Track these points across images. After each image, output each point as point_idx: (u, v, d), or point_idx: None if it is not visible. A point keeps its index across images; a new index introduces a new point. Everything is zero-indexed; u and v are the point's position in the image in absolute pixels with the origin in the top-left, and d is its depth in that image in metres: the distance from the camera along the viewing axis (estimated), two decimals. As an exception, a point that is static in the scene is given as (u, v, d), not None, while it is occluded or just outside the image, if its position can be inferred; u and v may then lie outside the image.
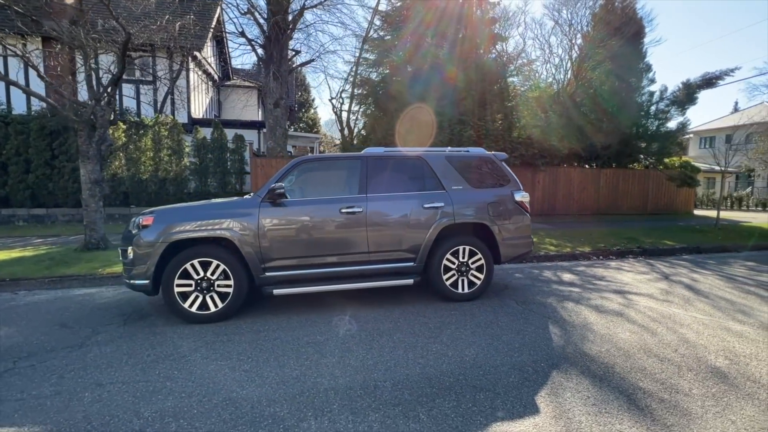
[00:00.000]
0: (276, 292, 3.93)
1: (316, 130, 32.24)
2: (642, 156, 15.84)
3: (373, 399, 2.45)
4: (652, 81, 15.91)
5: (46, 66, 10.76)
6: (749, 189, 28.78)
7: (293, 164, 4.24)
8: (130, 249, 3.76)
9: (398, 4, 15.55)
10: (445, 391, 2.53)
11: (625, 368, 2.83)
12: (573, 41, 15.48)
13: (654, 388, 2.56)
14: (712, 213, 16.91)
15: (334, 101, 14.59)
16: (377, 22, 15.85)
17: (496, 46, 14.49)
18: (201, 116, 16.38)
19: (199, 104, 16.56)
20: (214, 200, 4.52)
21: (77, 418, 2.28)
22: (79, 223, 11.34)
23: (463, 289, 4.45)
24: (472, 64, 13.38)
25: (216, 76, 18.57)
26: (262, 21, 12.37)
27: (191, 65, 15.01)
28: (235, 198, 4.41)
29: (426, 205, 4.34)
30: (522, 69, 14.07)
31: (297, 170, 4.25)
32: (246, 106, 18.72)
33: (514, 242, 4.61)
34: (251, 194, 4.44)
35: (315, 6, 12.63)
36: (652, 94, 15.80)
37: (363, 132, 13.52)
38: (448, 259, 4.40)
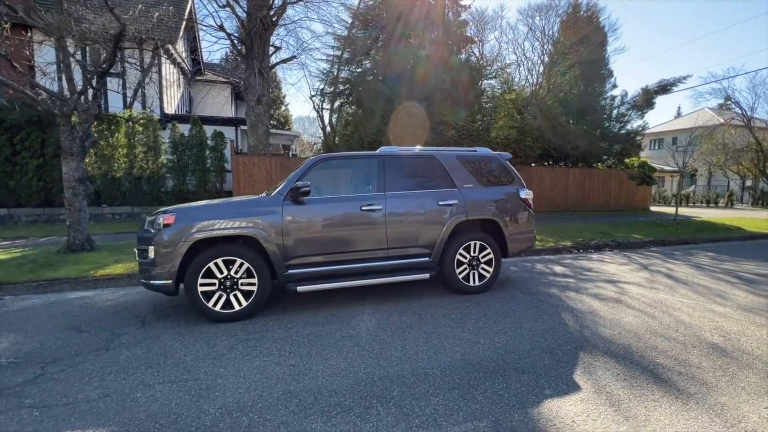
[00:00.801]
0: (300, 289, 3.97)
1: (288, 127, 31.68)
2: (605, 156, 16.96)
3: (428, 385, 2.59)
4: (614, 86, 17.11)
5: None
6: (692, 187, 31.44)
7: (313, 162, 4.28)
8: (151, 249, 3.66)
9: (370, 2, 15.63)
10: (491, 375, 2.73)
11: (640, 348, 3.16)
12: (545, 47, 16.30)
13: (670, 364, 2.88)
14: (665, 209, 18.44)
15: (315, 99, 14.46)
16: (349, 20, 15.86)
17: (475, 50, 14.99)
18: (173, 112, 15.69)
19: (171, 99, 15.86)
20: (233, 198, 4.46)
21: (140, 418, 2.26)
22: (45, 223, 10.62)
23: (474, 282, 4.68)
24: (453, 66, 13.76)
25: (187, 71, 17.83)
26: (242, 14, 12.06)
27: (163, 58, 14.34)
28: (254, 196, 4.38)
29: (441, 203, 4.52)
30: (500, 72, 14.63)
31: (315, 168, 4.29)
32: (220, 103, 18.11)
33: (520, 237, 4.90)
34: (265, 193, 4.43)
35: (297, 1, 12.47)
36: (614, 98, 16.98)
37: (347, 130, 13.53)
38: (460, 254, 4.61)
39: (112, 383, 2.65)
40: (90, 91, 6.27)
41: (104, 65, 6.10)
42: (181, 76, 17.32)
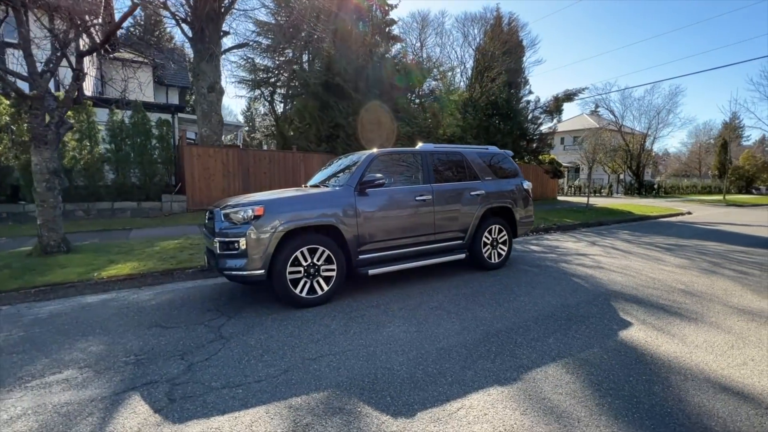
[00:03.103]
0: (371, 272, 4.37)
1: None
2: (524, 153, 19.65)
3: (535, 332, 3.34)
4: (530, 92, 19.86)
5: None
6: (577, 180, 37.63)
7: (372, 157, 4.67)
8: (242, 240, 3.71)
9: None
10: (569, 321, 3.59)
11: (644, 296, 4.35)
12: (477, 54, 18.10)
13: (669, 303, 4.10)
14: (568, 198, 22.05)
15: (264, 90, 13.99)
16: (271, 5, 15.33)
17: (423, 53, 16.05)
18: (89, 94, 13.65)
19: (87, 80, 13.74)
20: (308, 190, 4.58)
21: (342, 380, 2.57)
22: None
23: (494, 259, 5.57)
24: (372, 61, 14.48)
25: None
26: (190, -7, 11.16)
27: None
28: (325, 188, 4.59)
29: (472, 193, 5.29)
30: (443, 75, 15.92)
31: (374, 163, 4.68)
32: (138, 85, 16.16)
33: (525, 221, 5.93)
34: (306, 185, 4.65)
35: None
36: (528, 103, 19.70)
37: (303, 123, 13.45)
38: (485, 236, 5.45)
39: (276, 362, 2.85)
40: (69, 73, 5.50)
41: (98, 43, 5.42)
42: (95, 54, 15.04)
